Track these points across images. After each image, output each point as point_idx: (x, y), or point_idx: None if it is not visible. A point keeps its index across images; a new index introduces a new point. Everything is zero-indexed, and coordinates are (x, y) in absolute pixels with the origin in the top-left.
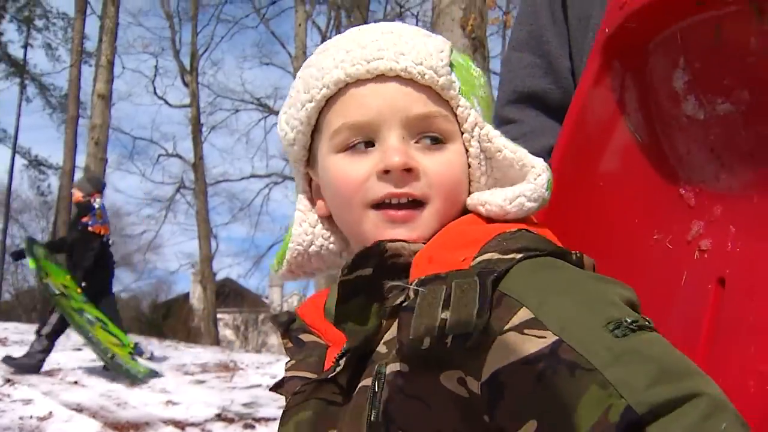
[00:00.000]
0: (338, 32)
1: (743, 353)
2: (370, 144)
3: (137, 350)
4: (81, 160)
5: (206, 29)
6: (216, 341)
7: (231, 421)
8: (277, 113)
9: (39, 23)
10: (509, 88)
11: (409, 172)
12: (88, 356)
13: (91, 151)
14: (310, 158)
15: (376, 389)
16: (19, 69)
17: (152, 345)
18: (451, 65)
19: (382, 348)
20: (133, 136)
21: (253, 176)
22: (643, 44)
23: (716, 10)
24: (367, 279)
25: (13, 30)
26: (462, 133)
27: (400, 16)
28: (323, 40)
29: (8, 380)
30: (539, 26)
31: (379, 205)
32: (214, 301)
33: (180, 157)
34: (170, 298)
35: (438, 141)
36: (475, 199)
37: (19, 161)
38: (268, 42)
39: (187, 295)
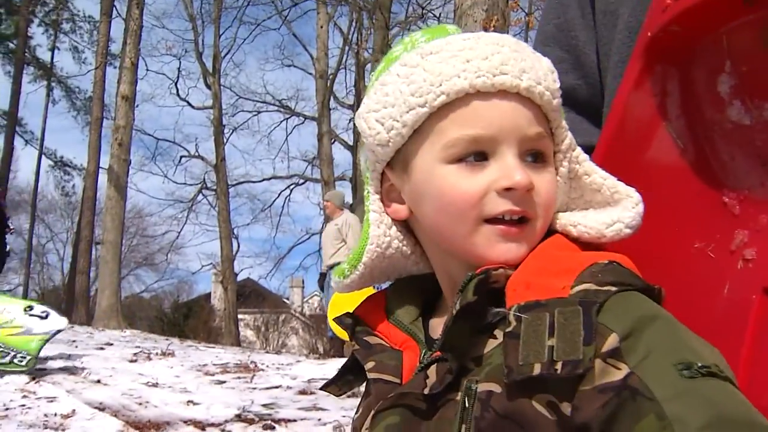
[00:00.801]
0: (359, 34)
1: None
2: (481, 157)
3: (39, 313)
4: (105, 161)
5: (229, 31)
6: (237, 341)
7: (251, 421)
8: (298, 115)
9: (66, 26)
10: None
11: (528, 191)
12: (111, 355)
13: (114, 152)
14: (393, 159)
15: (467, 405)
16: (47, 72)
17: (173, 345)
18: None
19: (470, 364)
20: (156, 137)
21: (274, 177)
22: (686, 48)
23: (765, 10)
24: (470, 304)
25: (41, 34)
26: (555, 153)
27: (422, 18)
28: (345, 41)
29: (33, 378)
30: (567, 20)
31: (492, 219)
32: (235, 301)
33: (202, 158)
34: (191, 298)
35: (539, 159)
36: (564, 220)
37: (45, 162)
38: (290, 44)
39: (208, 296)
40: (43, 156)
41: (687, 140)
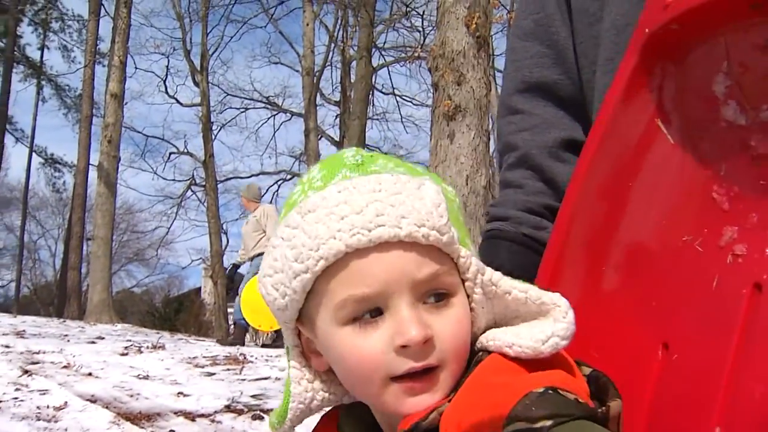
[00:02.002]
0: (345, 32)
1: None
2: (376, 313)
3: None
4: (95, 158)
5: (216, 29)
6: (227, 335)
7: (240, 412)
8: (285, 111)
9: (55, 25)
10: (516, 77)
11: (426, 343)
12: (103, 348)
13: (104, 149)
14: (301, 316)
15: None
16: (37, 70)
17: (164, 338)
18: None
19: None
20: (145, 134)
21: (262, 173)
22: (683, 46)
23: None
24: None
25: (30, 33)
26: (464, 282)
27: (405, 16)
28: (331, 39)
29: (26, 371)
30: (546, 15)
31: (397, 377)
32: (224, 295)
33: (191, 154)
34: (182, 292)
35: (442, 298)
36: (499, 341)
37: (36, 160)
38: (277, 41)
39: (198, 290)
40: (33, 153)
41: (679, 136)
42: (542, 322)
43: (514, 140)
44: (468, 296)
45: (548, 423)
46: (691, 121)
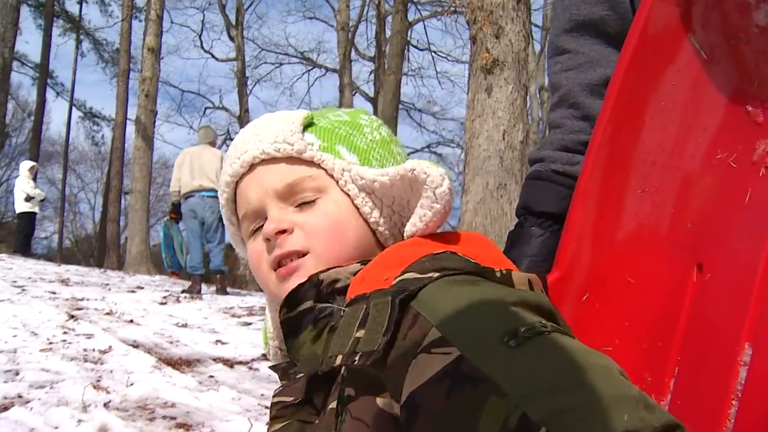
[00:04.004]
0: None
1: None
2: (263, 220)
3: None
4: (132, 113)
5: None
6: (261, 288)
7: None
8: (320, 66)
9: None
10: (564, 17)
11: (283, 233)
12: (142, 297)
13: (141, 103)
14: None
15: (340, 411)
16: (75, 24)
17: (202, 289)
18: (308, 130)
19: (344, 371)
20: (181, 89)
21: None
22: None
23: None
24: (310, 310)
25: None
26: (337, 182)
27: None
28: None
29: (72, 316)
30: None
31: (275, 267)
32: None
33: (226, 109)
34: None
35: (307, 199)
36: (410, 230)
37: (76, 114)
38: None
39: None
40: (73, 107)
41: (711, 50)
42: (422, 198)
43: (558, 80)
44: (347, 193)
45: (436, 275)
46: (723, 33)
